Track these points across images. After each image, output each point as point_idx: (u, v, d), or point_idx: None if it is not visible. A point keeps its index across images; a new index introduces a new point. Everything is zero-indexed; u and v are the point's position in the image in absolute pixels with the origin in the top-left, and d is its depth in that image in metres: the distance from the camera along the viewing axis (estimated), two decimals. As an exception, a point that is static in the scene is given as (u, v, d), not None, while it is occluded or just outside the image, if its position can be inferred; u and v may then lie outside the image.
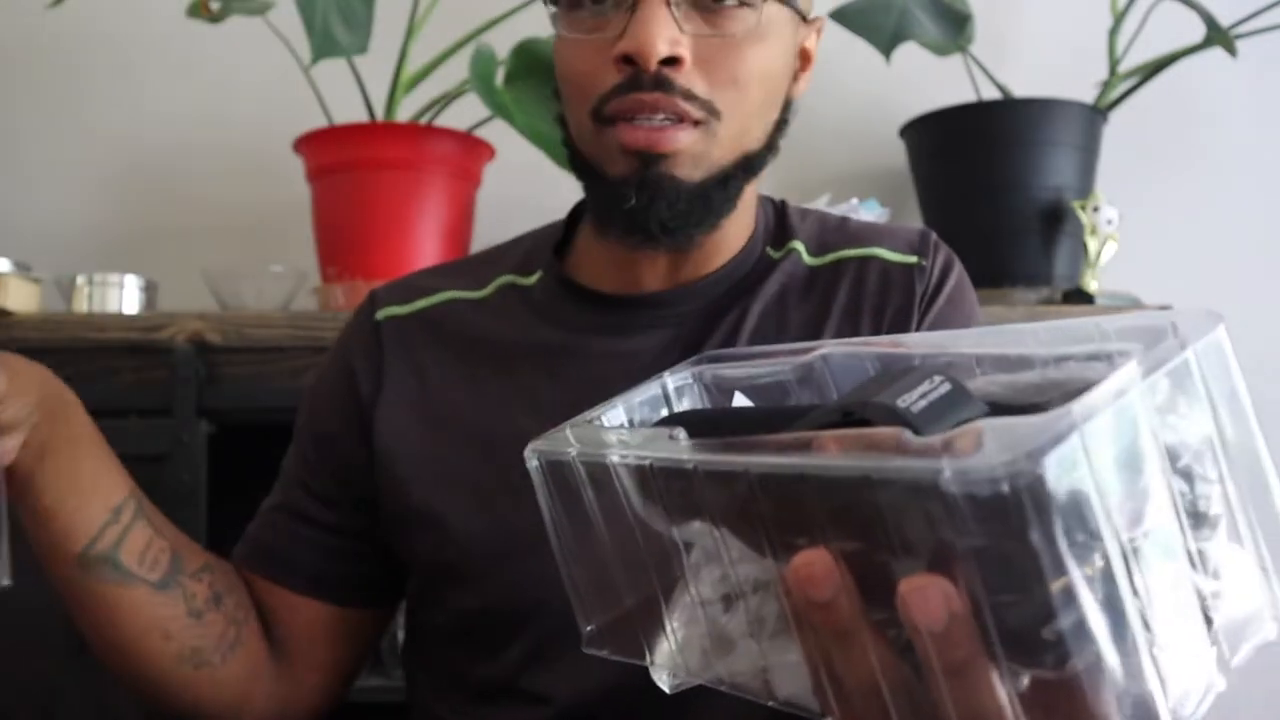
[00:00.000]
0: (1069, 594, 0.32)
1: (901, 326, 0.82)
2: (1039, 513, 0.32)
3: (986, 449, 0.32)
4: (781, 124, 0.80)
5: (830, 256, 0.86)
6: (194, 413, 1.31)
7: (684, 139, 0.73)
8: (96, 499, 0.77)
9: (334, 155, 1.50)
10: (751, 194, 0.84)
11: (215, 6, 1.47)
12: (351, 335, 0.90)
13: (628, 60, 0.73)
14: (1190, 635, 0.36)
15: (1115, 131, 1.63)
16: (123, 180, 1.78)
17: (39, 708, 1.30)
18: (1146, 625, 0.34)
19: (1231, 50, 1.48)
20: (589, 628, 0.51)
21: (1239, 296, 1.78)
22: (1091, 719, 0.33)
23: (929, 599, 0.34)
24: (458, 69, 1.54)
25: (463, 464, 0.81)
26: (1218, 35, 1.47)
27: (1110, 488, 0.33)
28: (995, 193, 1.54)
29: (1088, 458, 0.33)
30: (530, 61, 1.47)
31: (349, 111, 1.56)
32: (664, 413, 0.58)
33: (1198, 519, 0.37)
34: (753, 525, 0.40)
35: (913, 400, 0.37)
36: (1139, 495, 0.35)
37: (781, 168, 1.44)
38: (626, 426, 0.54)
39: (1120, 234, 1.48)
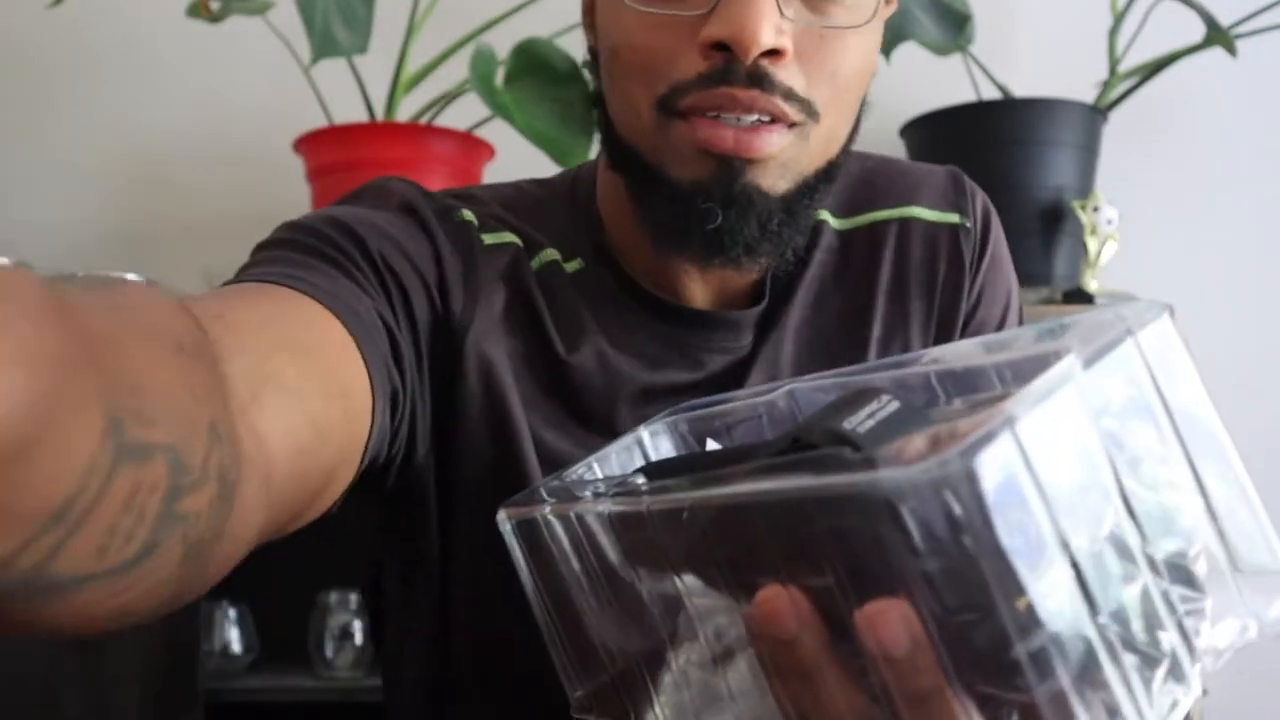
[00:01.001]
0: (1030, 609, 0.31)
1: (953, 298, 0.74)
2: (976, 512, 0.30)
3: (921, 454, 0.31)
4: (857, 128, 0.71)
5: (862, 219, 0.76)
6: (194, 413, 1.31)
7: (778, 142, 0.62)
8: None
9: (334, 155, 1.50)
10: None
11: (215, 6, 1.47)
12: (427, 217, 0.68)
13: (719, 47, 0.60)
14: (1164, 643, 0.35)
15: (1115, 131, 1.64)
16: (123, 180, 1.78)
17: (39, 707, 1.30)
18: (1117, 635, 0.33)
19: (1231, 50, 1.48)
20: (577, 693, 0.49)
21: (1239, 296, 1.78)
22: None
23: (888, 623, 0.32)
24: (458, 69, 1.54)
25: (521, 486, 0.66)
26: (1218, 35, 1.47)
27: (1056, 486, 0.32)
28: (995, 193, 1.52)
29: (1024, 454, 0.31)
30: (530, 61, 1.47)
31: (349, 111, 1.56)
32: (638, 462, 0.56)
33: (1164, 524, 0.36)
34: (714, 569, 0.39)
35: (859, 421, 0.36)
36: (1092, 495, 0.34)
37: (781, 168, 1.44)
38: (598, 479, 0.52)
39: (1120, 234, 1.49)
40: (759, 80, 0.60)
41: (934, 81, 1.69)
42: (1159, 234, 1.74)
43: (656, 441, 0.58)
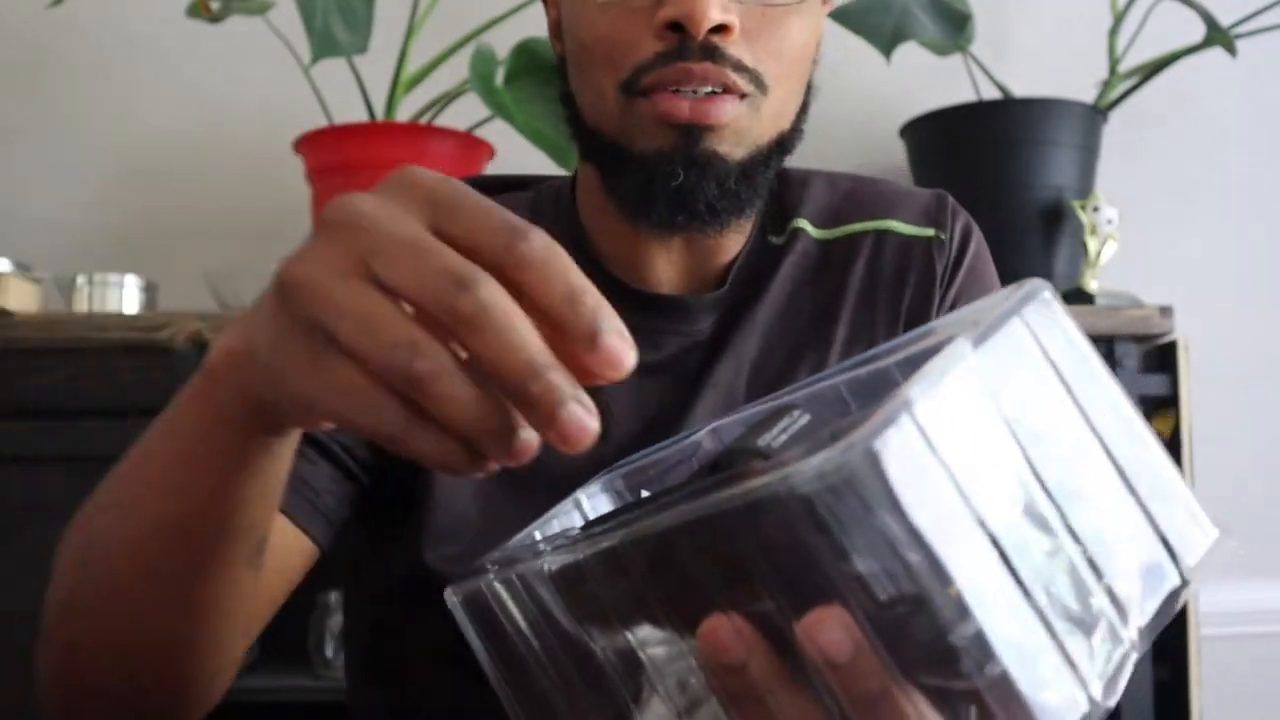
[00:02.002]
0: (959, 595, 0.31)
1: (922, 306, 0.78)
2: (884, 494, 0.30)
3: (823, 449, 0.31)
4: (806, 107, 0.77)
5: (841, 230, 0.81)
6: (194, 413, 1.31)
7: (731, 110, 0.68)
8: None
9: (334, 155, 1.50)
10: None
11: (215, 6, 1.47)
12: None
13: (673, 27, 0.67)
14: (1095, 608, 0.35)
15: (1115, 131, 1.63)
16: (123, 180, 1.78)
17: (39, 707, 1.30)
18: (1052, 606, 0.33)
19: (1231, 50, 1.48)
20: None
21: (1239, 296, 1.78)
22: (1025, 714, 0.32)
23: (827, 630, 0.33)
24: (458, 69, 1.54)
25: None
26: (1218, 35, 1.47)
27: (961, 464, 0.32)
28: (995, 193, 1.54)
29: (924, 434, 0.31)
30: (530, 61, 1.47)
31: (349, 111, 1.56)
32: (576, 523, 0.56)
33: (1078, 493, 0.36)
34: (659, 611, 0.39)
35: (773, 438, 0.36)
36: (999, 471, 0.34)
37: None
38: (537, 541, 0.51)
39: (1120, 234, 1.49)
40: (711, 54, 0.67)
41: (934, 81, 1.69)
42: (1159, 234, 1.74)
43: (594, 503, 0.58)
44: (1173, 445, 1.41)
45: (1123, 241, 1.49)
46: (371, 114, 1.55)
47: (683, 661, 0.39)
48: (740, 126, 0.69)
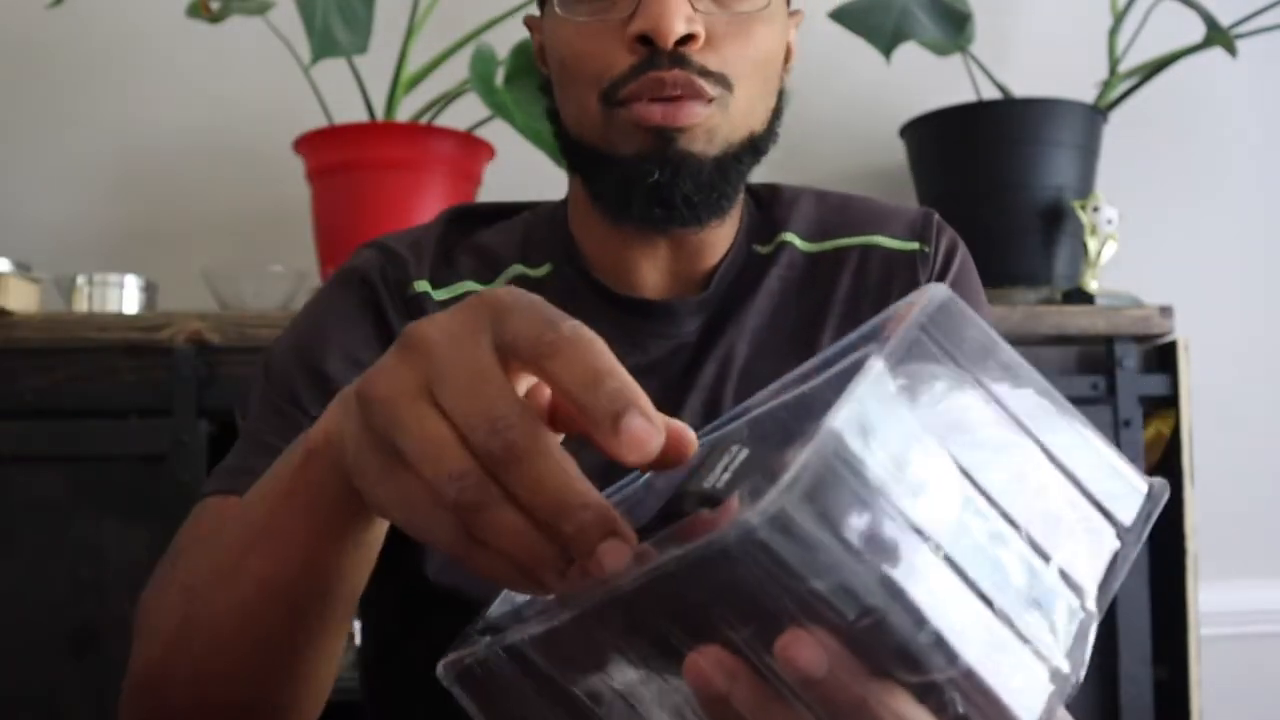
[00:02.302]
0: (915, 606, 0.33)
1: None
2: (822, 532, 0.32)
3: (756, 499, 0.32)
4: (778, 112, 0.80)
5: (829, 244, 0.84)
6: (194, 413, 1.31)
7: (700, 112, 0.73)
8: None
9: (334, 155, 1.50)
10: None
11: (215, 6, 1.47)
12: (380, 296, 0.80)
13: (643, 40, 0.72)
14: (1049, 584, 0.36)
15: (1115, 131, 1.64)
16: (123, 180, 1.78)
17: (39, 707, 1.30)
18: (1002, 596, 0.35)
19: (1231, 50, 1.48)
20: None
21: (1239, 296, 1.78)
22: (999, 707, 0.34)
23: (801, 650, 0.34)
24: (458, 69, 1.54)
25: None
26: (1218, 35, 1.47)
27: (892, 482, 0.33)
28: (995, 193, 1.54)
29: (850, 463, 0.33)
30: (530, 61, 1.47)
31: (349, 111, 1.56)
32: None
33: (1016, 484, 0.37)
34: (640, 658, 0.40)
35: (716, 478, 0.37)
36: (932, 479, 0.35)
37: (781, 168, 1.44)
38: (516, 606, 0.52)
39: (1120, 234, 1.49)
40: (679, 62, 0.72)
41: (934, 81, 1.69)
42: (1159, 234, 1.74)
43: None
44: (1173, 445, 1.41)
45: (1123, 241, 1.49)
46: (371, 114, 1.55)
47: (677, 695, 0.40)
48: (711, 126, 0.74)
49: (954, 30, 1.49)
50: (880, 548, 0.33)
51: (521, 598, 0.52)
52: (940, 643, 0.33)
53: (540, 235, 0.84)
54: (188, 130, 1.77)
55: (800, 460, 0.32)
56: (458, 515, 0.37)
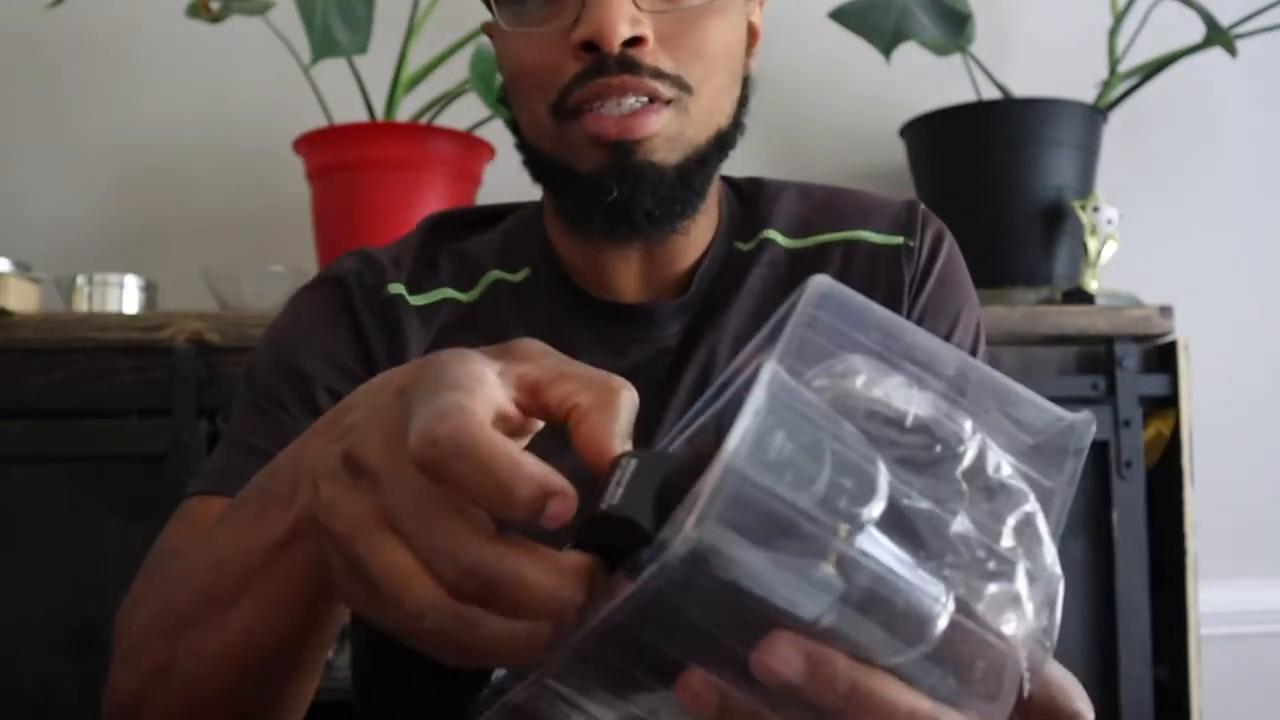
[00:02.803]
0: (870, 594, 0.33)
1: None
2: (740, 561, 0.32)
3: (677, 529, 0.32)
4: (744, 100, 0.77)
5: (812, 240, 0.82)
6: (194, 413, 1.31)
7: (658, 121, 0.70)
8: None
9: (334, 155, 1.50)
10: (717, 183, 0.80)
11: (215, 6, 1.47)
12: (354, 297, 0.79)
13: (588, 47, 0.69)
14: (1005, 553, 0.36)
15: (1115, 131, 1.63)
16: (123, 180, 1.78)
17: (39, 707, 1.30)
18: (971, 564, 0.35)
19: (1231, 50, 1.48)
20: None
21: (1239, 296, 1.78)
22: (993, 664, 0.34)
23: (775, 659, 0.34)
24: (458, 69, 1.54)
25: None
26: (1218, 35, 1.47)
27: (805, 487, 0.33)
28: (995, 193, 1.54)
29: (756, 482, 0.32)
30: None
31: (349, 111, 1.56)
32: None
33: (951, 460, 0.37)
34: (628, 692, 0.40)
35: (611, 494, 0.37)
36: (850, 468, 0.34)
37: (782, 168, 1.44)
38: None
39: (1120, 234, 1.49)
40: (628, 66, 0.69)
41: (934, 81, 1.69)
42: (1159, 234, 1.74)
43: None
44: (1173, 445, 1.41)
45: (1123, 241, 1.49)
46: (371, 114, 1.55)
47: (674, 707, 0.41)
48: (671, 132, 0.71)
49: (954, 30, 1.49)
50: (810, 549, 0.32)
51: None
52: (906, 619, 0.33)
53: (519, 239, 0.83)
54: (188, 130, 1.77)
55: (707, 486, 0.32)
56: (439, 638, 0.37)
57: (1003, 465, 0.38)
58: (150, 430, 1.32)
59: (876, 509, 0.34)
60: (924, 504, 0.36)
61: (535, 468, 0.35)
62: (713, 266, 0.80)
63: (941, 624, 0.34)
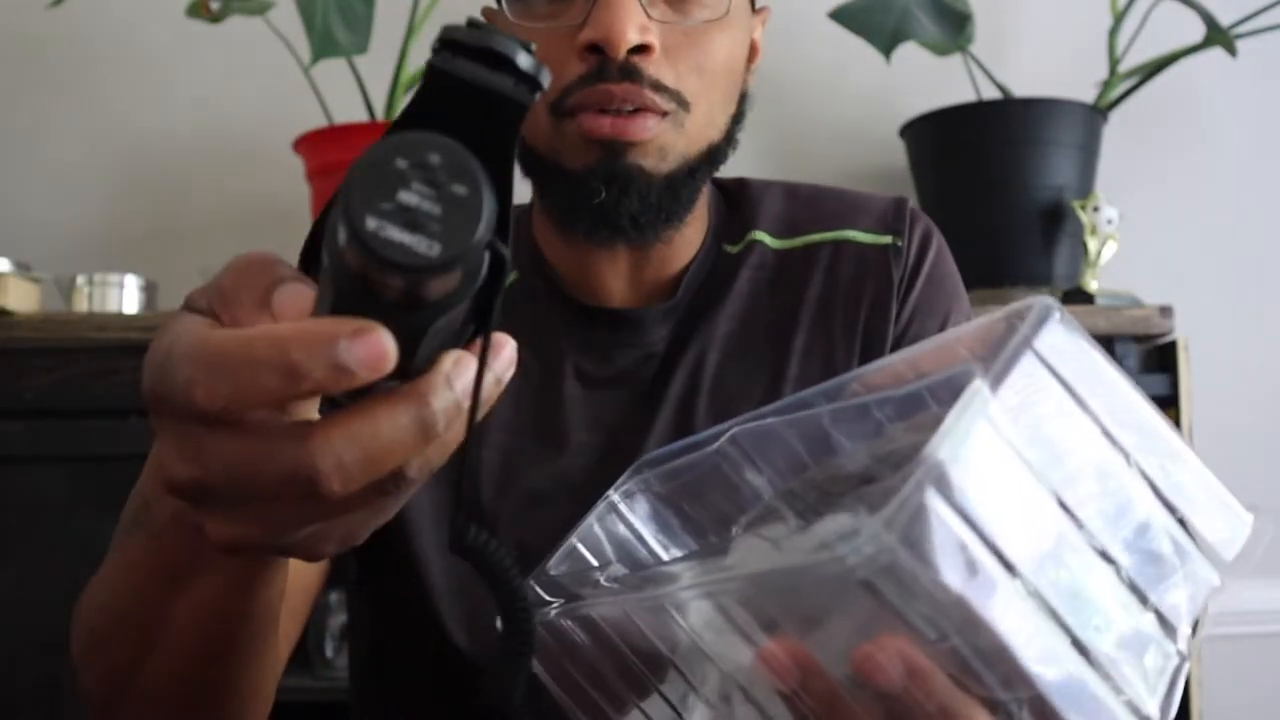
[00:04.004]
0: (1001, 641, 0.33)
1: (879, 315, 0.78)
2: (919, 566, 0.32)
3: (860, 528, 0.32)
4: (739, 116, 0.77)
5: (800, 240, 0.81)
6: (194, 413, 1.31)
7: (652, 128, 0.70)
8: None
9: (334, 155, 1.50)
10: (706, 188, 0.80)
11: (215, 6, 1.47)
12: None
13: (594, 49, 0.69)
14: (1144, 624, 0.36)
15: (1115, 131, 1.63)
16: (123, 180, 1.78)
17: (39, 707, 1.30)
18: (1093, 638, 0.35)
19: (1231, 50, 1.48)
20: None
21: (1239, 296, 1.78)
22: None
23: (881, 665, 0.34)
24: (458, 69, 1.54)
25: (435, 492, 0.74)
26: (1218, 35, 1.47)
27: (990, 513, 0.33)
28: (995, 193, 1.54)
29: (950, 497, 0.33)
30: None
31: (349, 111, 1.56)
32: (620, 529, 0.58)
33: (1117, 518, 0.37)
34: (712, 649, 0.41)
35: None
36: (1029, 510, 0.35)
37: (782, 168, 1.44)
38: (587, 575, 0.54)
39: (1120, 234, 1.48)
40: (630, 74, 0.69)
41: (934, 81, 1.69)
42: (1159, 234, 1.74)
43: (632, 504, 0.59)
44: (1173, 445, 1.41)
45: (1123, 241, 1.49)
46: (371, 114, 1.55)
47: (737, 679, 0.41)
48: (663, 142, 0.71)
49: (954, 30, 1.49)
50: (973, 587, 0.33)
51: (588, 543, 0.53)
52: (1022, 677, 0.33)
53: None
54: (188, 130, 1.77)
55: (902, 494, 0.32)
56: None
57: (1164, 535, 0.38)
58: (150, 430, 1.32)
59: (1040, 562, 0.34)
60: (1083, 558, 0.36)
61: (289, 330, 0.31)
62: (701, 270, 0.80)
63: (1047, 683, 0.34)
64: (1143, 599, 0.36)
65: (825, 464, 0.48)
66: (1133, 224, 1.57)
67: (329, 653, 1.45)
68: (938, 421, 0.34)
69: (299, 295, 0.34)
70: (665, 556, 0.55)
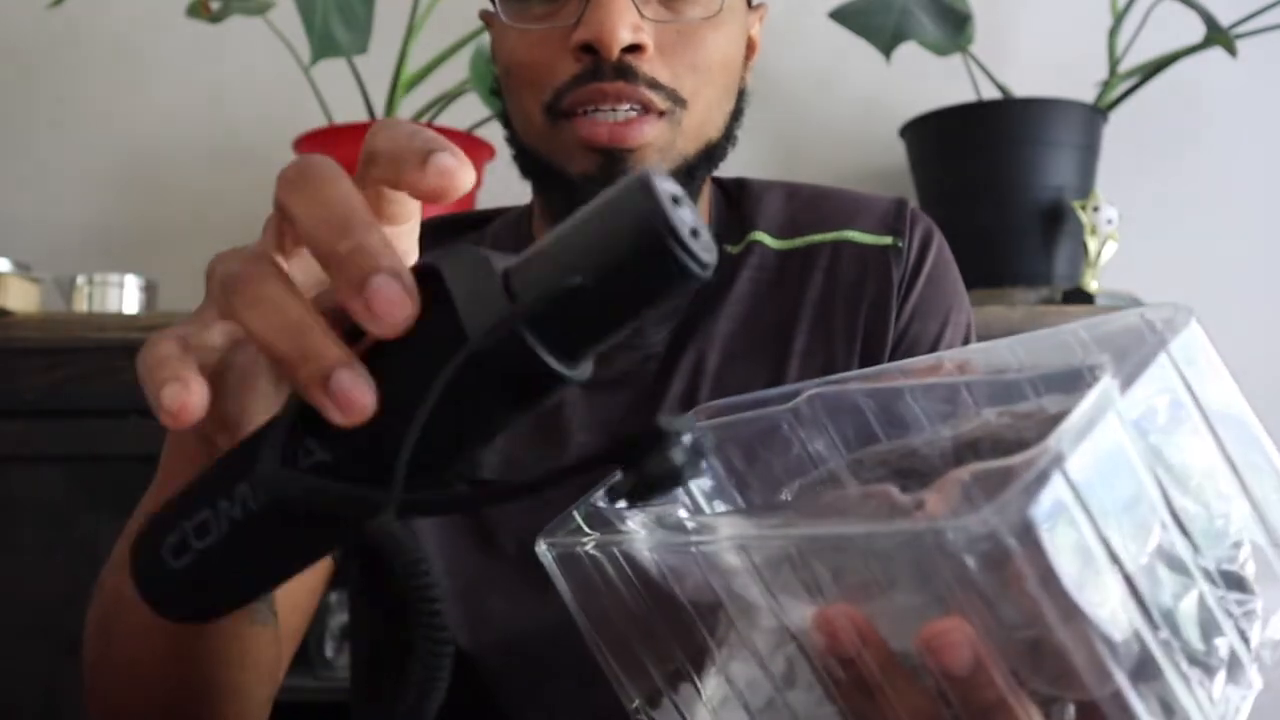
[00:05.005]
0: (1088, 633, 0.32)
1: (880, 316, 0.78)
2: (1034, 554, 0.31)
3: (978, 502, 0.32)
4: (738, 113, 0.77)
5: (800, 240, 0.81)
6: (194, 413, 1.31)
7: (650, 131, 0.69)
8: None
9: (334, 155, 1.49)
10: (707, 187, 0.80)
11: (215, 6, 1.47)
12: None
13: (587, 49, 0.68)
14: (1221, 649, 0.36)
15: (1115, 131, 1.63)
16: (123, 180, 1.78)
17: (39, 707, 1.30)
18: (1175, 644, 0.34)
19: (1231, 50, 1.48)
20: (632, 705, 0.51)
21: (1239, 296, 1.78)
22: None
23: (951, 645, 0.34)
24: (458, 69, 1.54)
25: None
26: (1218, 35, 1.47)
27: (1105, 510, 0.33)
28: (995, 193, 1.54)
29: (1074, 490, 0.32)
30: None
31: (349, 111, 1.56)
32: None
33: (1214, 534, 0.37)
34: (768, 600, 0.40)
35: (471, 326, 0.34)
36: (1139, 512, 0.34)
37: (782, 168, 1.44)
38: (631, 510, 0.53)
39: (1120, 234, 1.48)
40: (625, 74, 0.68)
41: (934, 81, 1.68)
42: (1159, 234, 1.74)
43: None
44: (1173, 445, 1.41)
45: (1123, 241, 1.49)
46: (371, 114, 1.55)
47: (773, 618, 0.41)
48: (662, 144, 0.70)
49: (954, 30, 1.49)
50: (1074, 572, 0.32)
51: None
52: (1103, 673, 0.32)
53: (505, 244, 0.82)
54: (188, 130, 1.77)
55: (1025, 477, 0.31)
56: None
57: (1256, 564, 0.38)
58: (150, 430, 1.32)
59: (1141, 566, 0.34)
60: (1177, 575, 0.35)
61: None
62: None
63: (1114, 686, 0.33)
64: (1229, 618, 0.36)
65: (899, 439, 0.48)
66: (1133, 224, 1.57)
67: (329, 653, 1.45)
68: (1042, 411, 0.34)
69: None
70: (705, 505, 0.55)
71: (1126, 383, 0.35)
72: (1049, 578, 0.32)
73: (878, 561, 0.35)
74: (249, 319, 0.34)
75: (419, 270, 0.33)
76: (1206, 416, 0.38)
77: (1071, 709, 0.34)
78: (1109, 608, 0.33)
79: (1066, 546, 0.32)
